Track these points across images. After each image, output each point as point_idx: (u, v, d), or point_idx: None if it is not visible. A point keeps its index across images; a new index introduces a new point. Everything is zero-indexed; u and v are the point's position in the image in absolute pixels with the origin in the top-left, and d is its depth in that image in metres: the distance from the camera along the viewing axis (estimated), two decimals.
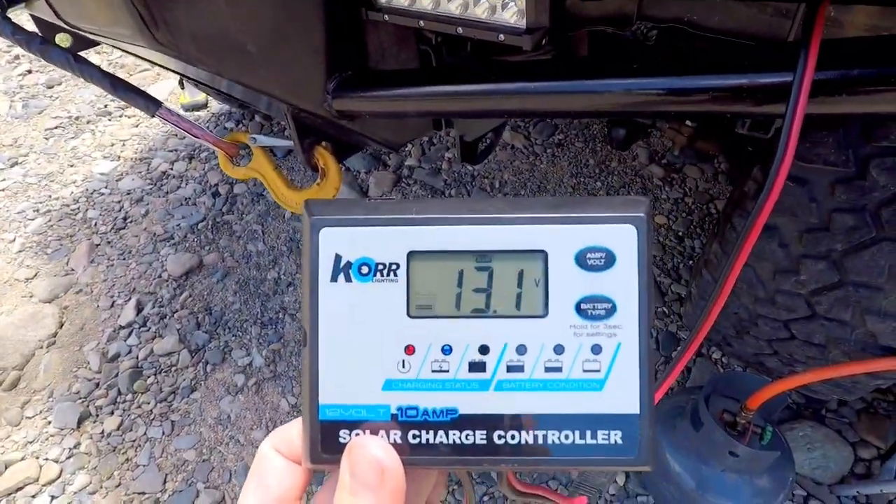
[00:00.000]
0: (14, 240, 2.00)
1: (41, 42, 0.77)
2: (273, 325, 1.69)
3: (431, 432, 0.28)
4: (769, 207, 0.43)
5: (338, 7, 0.66)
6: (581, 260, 0.28)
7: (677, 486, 1.15)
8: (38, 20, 0.98)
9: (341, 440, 0.29)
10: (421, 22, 0.60)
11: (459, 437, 0.28)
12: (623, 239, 0.28)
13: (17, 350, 1.66)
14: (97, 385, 1.58)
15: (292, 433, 0.31)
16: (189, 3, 0.60)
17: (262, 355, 1.61)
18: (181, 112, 2.49)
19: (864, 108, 0.44)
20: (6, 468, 1.42)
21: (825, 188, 0.86)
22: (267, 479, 0.30)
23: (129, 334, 1.69)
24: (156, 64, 1.02)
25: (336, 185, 0.78)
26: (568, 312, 0.28)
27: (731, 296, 1.08)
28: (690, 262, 1.72)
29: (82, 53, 0.90)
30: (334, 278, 0.29)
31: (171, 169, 2.24)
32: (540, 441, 0.28)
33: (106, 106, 2.58)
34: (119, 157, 2.33)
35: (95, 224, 2.04)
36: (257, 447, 0.31)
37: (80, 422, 1.50)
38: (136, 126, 2.47)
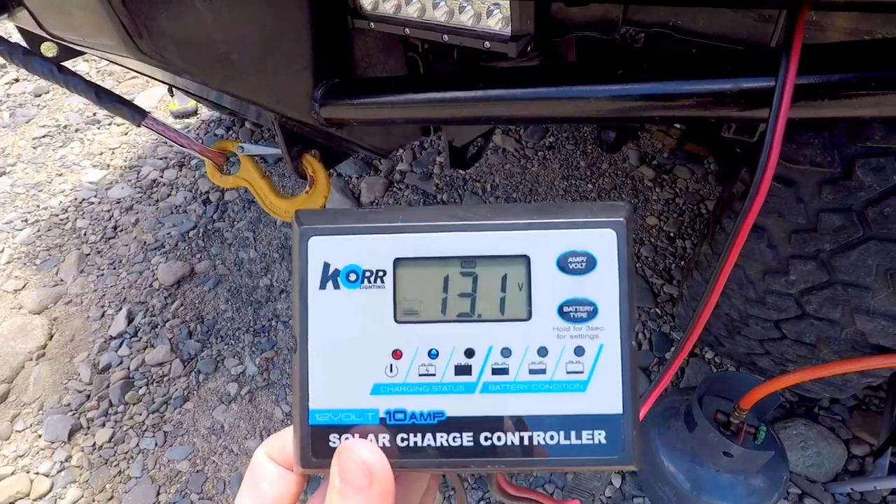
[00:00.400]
0: (2, 250, 1.98)
1: (24, 53, 0.77)
2: (266, 332, 1.68)
3: (419, 435, 0.29)
4: (755, 212, 0.43)
5: (324, 15, 0.66)
6: (563, 264, 0.29)
7: (672, 487, 1.15)
8: (22, 31, 0.97)
9: (331, 444, 0.29)
10: (407, 30, 0.59)
11: (447, 440, 0.29)
12: (603, 243, 0.29)
13: (7, 363, 1.64)
14: (88, 397, 1.57)
15: (285, 440, 0.31)
16: (173, 13, 0.59)
17: (255, 363, 1.60)
18: (167, 121, 2.47)
19: (846, 113, 0.45)
20: None
21: (812, 189, 0.86)
22: (260, 484, 0.30)
23: (121, 345, 1.68)
24: (142, 74, 1.01)
25: (325, 192, 0.78)
26: (551, 315, 0.29)
27: (722, 296, 1.09)
28: (682, 262, 1.73)
29: (69, 62, 0.89)
30: (323, 286, 0.30)
31: (161, 177, 2.22)
32: (526, 442, 0.28)
33: (94, 114, 2.56)
34: (108, 165, 2.31)
35: (85, 233, 2.02)
36: (251, 457, 0.31)
37: (71, 434, 1.48)
38: (125, 134, 2.46)
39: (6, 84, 2.81)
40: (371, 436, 0.29)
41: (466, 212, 0.29)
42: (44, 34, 0.77)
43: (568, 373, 0.28)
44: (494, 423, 0.28)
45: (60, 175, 2.29)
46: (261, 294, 1.78)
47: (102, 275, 1.88)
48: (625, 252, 0.29)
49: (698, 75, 0.48)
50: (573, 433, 0.28)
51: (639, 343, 1.55)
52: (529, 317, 0.29)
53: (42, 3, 0.70)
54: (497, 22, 0.52)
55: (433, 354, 0.29)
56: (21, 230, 2.05)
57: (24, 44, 0.89)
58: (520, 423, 0.28)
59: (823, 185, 0.85)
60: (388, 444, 0.29)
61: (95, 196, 2.17)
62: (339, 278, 0.29)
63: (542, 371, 0.28)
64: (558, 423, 0.28)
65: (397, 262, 0.29)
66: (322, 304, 0.29)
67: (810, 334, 0.98)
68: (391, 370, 0.29)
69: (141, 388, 1.57)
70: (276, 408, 1.52)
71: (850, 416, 1.38)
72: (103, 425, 1.51)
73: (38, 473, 1.42)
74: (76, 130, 2.51)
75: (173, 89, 2.45)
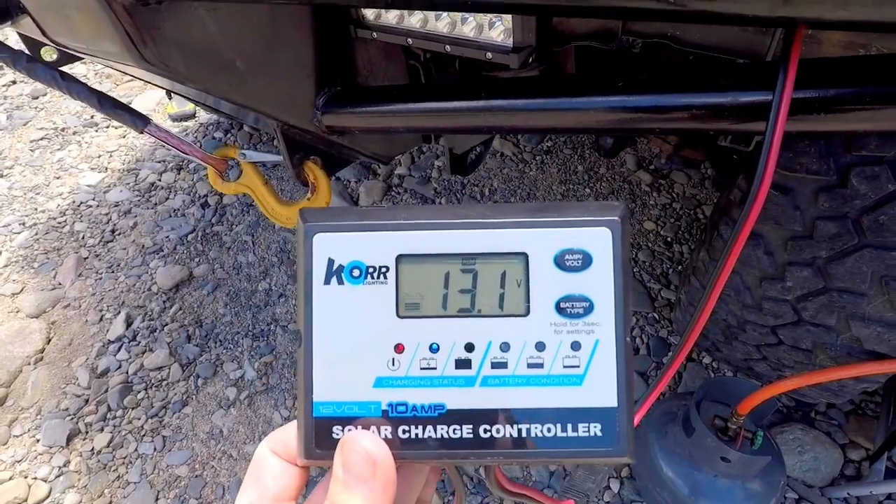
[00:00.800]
0: (0, 254, 1.98)
1: (28, 60, 0.77)
2: (265, 336, 1.68)
3: (420, 427, 0.29)
4: (751, 223, 0.44)
5: (327, 24, 0.67)
6: (560, 261, 0.30)
7: (671, 493, 1.16)
8: (24, 37, 0.97)
9: (334, 436, 0.30)
10: (409, 40, 0.60)
11: (447, 432, 0.29)
12: (599, 241, 0.30)
13: (4, 367, 1.63)
14: (86, 401, 1.56)
15: (289, 435, 0.31)
16: (177, 20, 0.60)
17: (254, 368, 1.60)
18: (166, 125, 2.47)
19: (841, 127, 0.45)
20: None
21: (808, 197, 0.87)
22: (264, 478, 0.30)
23: (119, 349, 1.67)
24: (143, 80, 1.01)
25: (326, 199, 0.78)
26: (548, 311, 0.30)
27: (720, 302, 1.10)
28: (679, 267, 1.74)
29: (70, 67, 0.89)
30: (327, 281, 0.30)
31: (160, 180, 2.22)
32: (524, 434, 0.29)
33: (92, 117, 2.56)
34: (106, 168, 2.31)
35: (83, 237, 2.02)
36: (251, 461, 0.32)
37: (69, 439, 1.48)
38: (124, 137, 2.46)
39: (3, 86, 2.81)
40: (374, 427, 0.29)
41: (467, 210, 0.30)
42: (45, 40, 0.77)
43: (565, 367, 0.29)
44: (493, 416, 0.29)
45: (58, 178, 2.29)
46: (259, 298, 1.78)
47: (101, 278, 1.88)
48: (620, 250, 0.29)
49: (696, 88, 0.49)
50: (569, 426, 0.29)
51: (648, 348, 1.56)
52: (528, 313, 0.30)
53: (45, 10, 0.70)
54: (499, 34, 0.53)
55: (434, 349, 0.30)
56: (19, 233, 2.05)
57: (26, 50, 0.90)
58: (518, 415, 0.29)
59: (819, 193, 0.86)
60: (390, 436, 0.29)
61: (93, 199, 2.17)
62: (342, 274, 0.30)
63: (540, 365, 0.29)
64: (555, 415, 0.29)
65: (400, 258, 0.30)
66: (326, 299, 0.30)
67: (807, 340, 0.99)
68: (393, 363, 0.30)
69: (140, 392, 1.57)
70: (275, 412, 1.52)
71: (847, 420, 1.39)
72: (102, 430, 1.50)
73: (36, 478, 1.42)
74: (74, 133, 2.51)
75: (171, 93, 2.46)
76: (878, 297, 0.86)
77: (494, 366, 0.29)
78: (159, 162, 2.31)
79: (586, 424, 0.29)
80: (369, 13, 0.62)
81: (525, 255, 0.30)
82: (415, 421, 0.29)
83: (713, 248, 1.03)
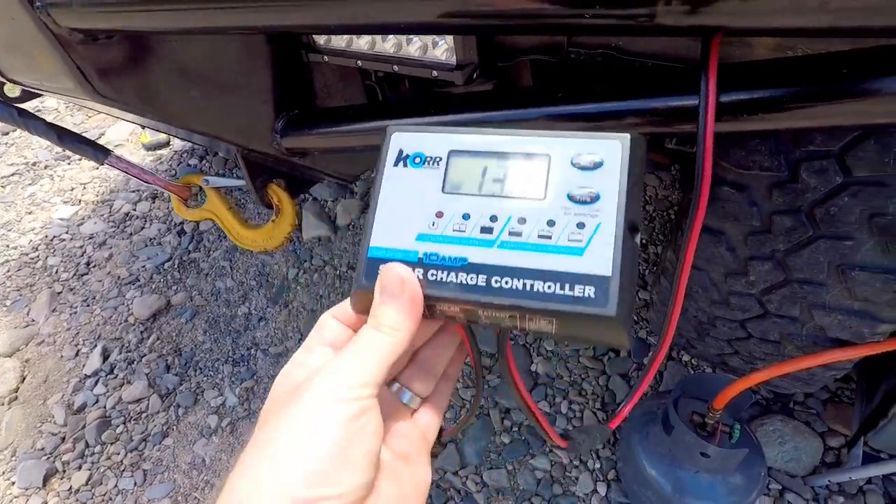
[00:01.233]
0: None
1: None
2: (245, 362, 1.67)
3: (445, 273, 0.36)
4: (699, 224, 0.46)
5: (280, 50, 0.68)
6: (576, 162, 0.36)
7: (655, 492, 1.16)
8: None
9: (379, 271, 0.37)
10: (359, 62, 0.62)
11: (466, 279, 0.36)
12: (611, 150, 0.36)
13: None
14: (63, 439, 1.53)
15: (346, 306, 0.39)
16: (130, 55, 0.60)
17: (236, 394, 1.58)
18: (135, 156, 2.46)
19: (773, 126, 0.48)
20: None
21: (763, 192, 0.90)
22: (323, 332, 0.39)
23: (96, 383, 1.64)
24: (107, 113, 1.01)
25: (291, 220, 0.79)
26: (561, 197, 0.36)
27: (689, 300, 1.12)
28: (654, 268, 1.76)
29: (41, 101, 0.89)
30: (396, 164, 0.39)
31: (135, 210, 2.20)
32: (528, 288, 0.34)
33: (64, 150, 2.54)
34: (80, 200, 2.29)
35: (56, 271, 1.99)
36: (315, 326, 0.40)
37: (46, 480, 1.44)
38: (97, 168, 2.44)
39: None
40: (409, 267, 0.36)
41: (507, 126, 0.41)
42: (3, 80, 0.77)
43: (569, 240, 0.35)
44: (505, 270, 0.35)
45: (30, 213, 2.26)
46: (239, 323, 1.76)
47: (75, 312, 1.85)
48: (628, 158, 0.35)
49: (633, 95, 0.51)
50: (567, 286, 0.34)
51: (643, 241, 1.56)
52: (544, 197, 0.36)
53: (2, 50, 0.71)
54: (442, 52, 0.55)
55: (466, 217, 0.37)
56: None
57: None
58: (526, 272, 0.35)
59: (773, 189, 0.89)
60: (420, 277, 0.36)
61: (67, 232, 2.14)
62: (407, 160, 0.39)
63: (549, 237, 0.35)
64: (556, 277, 0.34)
65: (451, 153, 0.39)
66: (393, 176, 0.39)
67: (774, 332, 1.02)
68: (433, 225, 0.37)
69: (118, 426, 1.54)
70: None
71: (824, 408, 1.41)
72: (80, 468, 1.47)
73: None
74: (46, 167, 2.48)
75: None
76: (836, 286, 0.89)
77: (511, 234, 0.36)
78: (134, 192, 2.29)
79: (582, 286, 0.33)
80: (319, 38, 0.63)
81: (548, 156, 0.37)
82: (441, 268, 0.36)
83: (679, 248, 1.06)
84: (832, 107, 0.44)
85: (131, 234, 2.10)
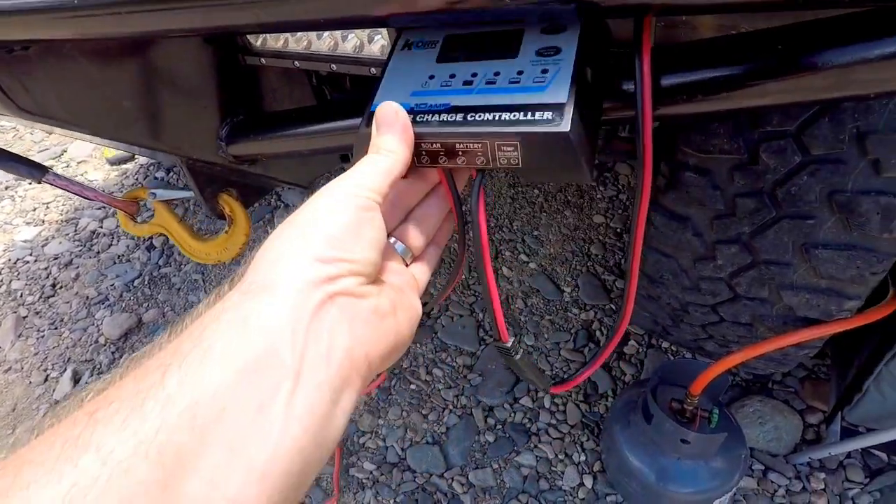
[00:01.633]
0: None
1: None
2: None
3: (430, 115, 0.42)
4: (644, 212, 0.45)
5: (218, 54, 0.65)
6: (544, 29, 0.43)
7: (639, 482, 1.16)
8: None
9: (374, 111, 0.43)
10: (296, 62, 0.59)
11: (447, 118, 0.41)
12: (571, 20, 0.43)
13: None
14: None
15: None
16: (50, 66, 0.57)
17: None
18: (108, 170, 2.40)
19: (715, 107, 0.46)
20: None
21: (725, 176, 0.90)
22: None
23: None
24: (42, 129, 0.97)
25: (245, 230, 0.76)
26: (531, 54, 0.43)
27: (661, 287, 1.12)
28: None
29: None
30: (402, 49, 0.47)
31: (101, 227, 2.14)
32: (497, 118, 0.40)
33: None
34: (43, 221, 2.22)
35: (21, 295, 1.93)
36: None
37: None
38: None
39: None
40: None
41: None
42: None
43: (534, 82, 0.41)
44: (480, 108, 0.41)
45: None
46: None
47: (43, 336, 1.79)
48: (582, 25, 0.42)
49: None
50: (530, 113, 0.39)
51: (617, 230, 1.57)
52: (517, 55, 0.43)
53: None
54: (379, 48, 0.53)
55: (452, 76, 0.44)
56: None
57: None
58: (496, 108, 0.40)
59: (734, 171, 0.88)
60: (411, 120, 0.42)
61: (31, 254, 2.07)
62: (412, 45, 0.47)
63: (518, 81, 0.41)
64: (522, 107, 0.40)
65: (446, 36, 0.46)
66: (399, 57, 0.47)
67: (745, 314, 1.02)
68: (424, 84, 0.44)
69: None
70: None
71: (802, 386, 1.42)
72: None
73: None
74: (6, 188, 2.40)
75: None
76: (801, 266, 0.89)
77: (488, 83, 0.42)
78: (99, 209, 2.23)
79: (542, 112, 0.39)
80: (255, 39, 0.60)
81: (523, 29, 0.44)
82: (428, 112, 0.42)
83: (647, 235, 1.05)
84: (771, 84, 0.43)
85: (98, 252, 2.04)
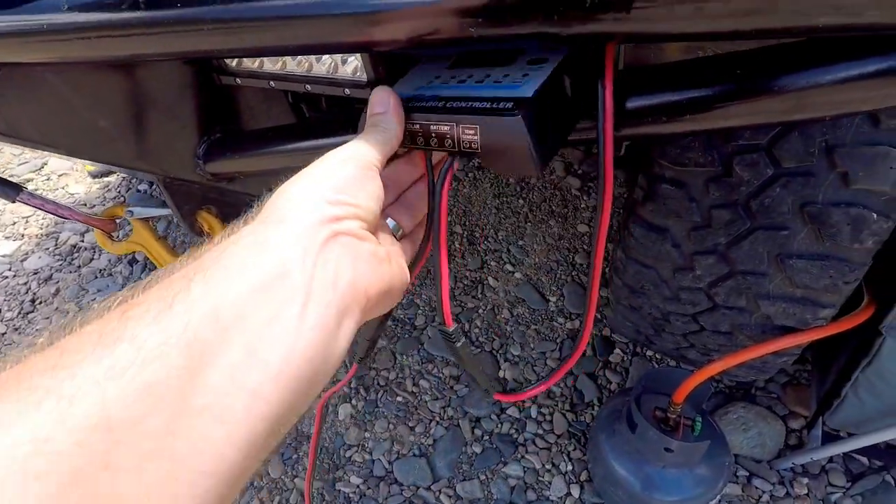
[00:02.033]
0: None
1: None
2: None
3: (420, 102, 0.47)
4: (604, 228, 0.45)
5: (191, 75, 0.65)
6: (541, 46, 0.47)
7: (625, 491, 1.16)
8: None
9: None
10: (271, 83, 0.60)
11: (432, 104, 0.46)
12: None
13: None
14: None
15: None
16: (21, 85, 0.57)
17: None
18: (90, 184, 2.37)
19: (679, 129, 0.48)
20: None
21: (701, 188, 0.91)
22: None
23: None
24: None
25: None
26: (523, 63, 0.46)
27: (642, 297, 1.13)
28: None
29: None
30: (425, 60, 0.53)
31: (82, 241, 2.12)
32: (469, 105, 0.44)
33: None
34: (22, 235, 2.19)
35: (0, 311, 1.89)
36: None
37: None
38: None
39: None
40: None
41: None
42: None
43: (513, 81, 0.44)
44: (461, 99, 0.45)
45: None
46: None
47: None
48: (565, 52, 0.46)
49: None
50: (496, 103, 0.42)
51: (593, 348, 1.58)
52: (513, 64, 0.47)
53: None
54: (353, 70, 0.53)
55: (453, 76, 0.49)
56: None
57: None
58: (473, 98, 0.44)
59: (709, 184, 0.90)
60: (405, 106, 0.47)
61: (10, 269, 2.04)
62: (433, 58, 0.53)
63: (500, 81, 0.45)
64: (493, 99, 0.43)
65: (458, 53, 0.52)
66: (423, 65, 0.53)
67: (724, 324, 1.03)
68: (430, 82, 0.49)
69: None
70: None
71: (784, 392, 1.44)
72: None
73: None
74: None
75: None
76: (777, 275, 0.91)
77: (477, 82, 0.46)
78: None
79: (505, 103, 0.42)
80: (230, 60, 0.61)
81: (525, 49, 0.48)
82: (420, 99, 0.47)
83: (627, 247, 1.06)
84: (732, 108, 0.44)
85: (79, 266, 2.02)
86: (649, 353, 1.57)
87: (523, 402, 1.49)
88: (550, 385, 0.57)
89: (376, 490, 1.35)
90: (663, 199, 0.95)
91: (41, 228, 2.21)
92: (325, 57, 0.54)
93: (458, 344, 0.52)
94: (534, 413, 1.46)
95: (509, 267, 1.81)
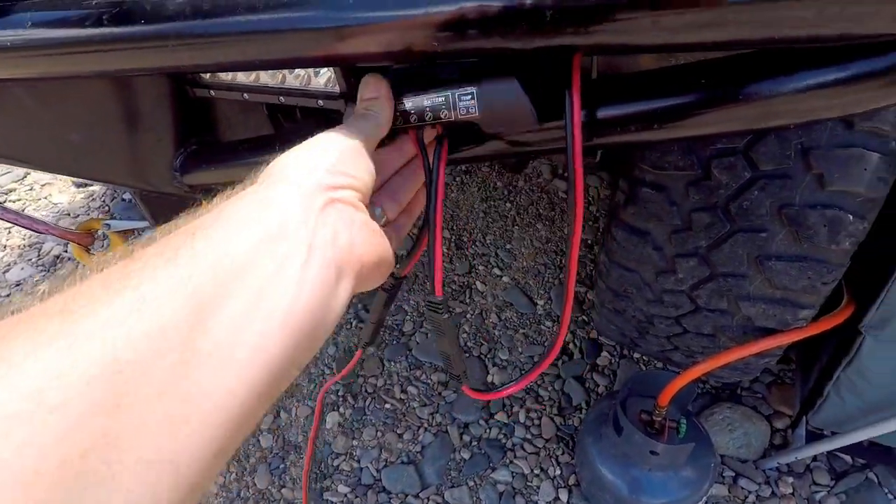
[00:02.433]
0: None
1: None
2: None
3: (406, 97, 0.48)
4: (576, 241, 0.45)
5: (164, 87, 0.65)
6: None
7: (612, 495, 1.17)
8: None
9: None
10: (245, 95, 0.59)
11: (419, 101, 0.47)
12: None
13: None
14: None
15: None
16: None
17: None
18: (73, 192, 2.34)
19: (648, 138, 0.48)
20: None
21: (681, 191, 0.92)
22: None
23: None
24: None
25: None
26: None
27: (626, 301, 1.14)
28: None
29: None
30: None
31: (66, 251, 2.09)
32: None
33: None
34: (4, 246, 2.15)
35: None
36: None
37: None
38: (23, 210, 2.30)
39: None
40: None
41: None
42: None
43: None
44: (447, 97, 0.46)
45: None
46: None
47: None
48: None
49: None
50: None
51: (581, 351, 1.59)
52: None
53: None
54: (325, 81, 0.53)
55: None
56: None
57: None
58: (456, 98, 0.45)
59: (689, 187, 0.91)
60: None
61: None
62: None
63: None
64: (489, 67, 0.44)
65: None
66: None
67: (707, 326, 1.04)
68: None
69: None
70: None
71: (769, 391, 1.45)
72: None
73: None
74: None
75: None
76: (757, 277, 0.92)
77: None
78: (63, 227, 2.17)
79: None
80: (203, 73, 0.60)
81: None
82: (410, 74, 0.48)
83: (610, 251, 1.07)
84: (702, 116, 0.44)
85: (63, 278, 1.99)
86: (637, 355, 1.57)
87: (511, 406, 1.48)
88: (522, 387, 0.57)
89: (364, 499, 1.35)
90: (644, 202, 0.96)
91: (24, 239, 2.17)
92: (298, 69, 0.54)
93: (445, 317, 0.53)
94: (522, 417, 1.46)
95: (497, 271, 1.81)
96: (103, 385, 0.23)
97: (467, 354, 1.60)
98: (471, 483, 1.35)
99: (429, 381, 1.56)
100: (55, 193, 2.41)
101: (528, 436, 1.42)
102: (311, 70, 0.54)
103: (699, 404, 1.43)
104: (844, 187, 0.79)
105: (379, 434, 1.46)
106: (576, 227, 0.46)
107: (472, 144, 0.52)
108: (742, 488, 1.29)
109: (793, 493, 1.27)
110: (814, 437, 1.24)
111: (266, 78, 0.57)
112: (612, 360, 1.56)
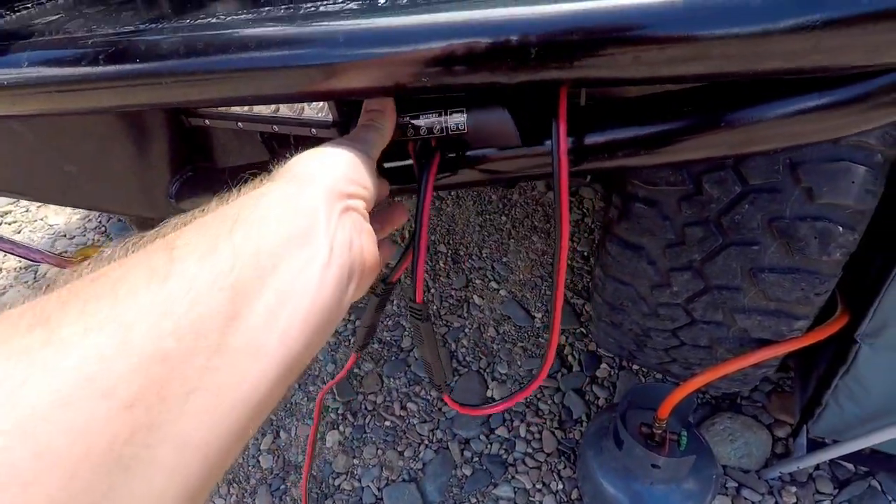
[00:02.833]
0: None
1: None
2: None
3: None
4: (564, 261, 0.46)
5: (160, 117, 0.66)
6: None
7: None
8: None
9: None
10: (239, 123, 0.60)
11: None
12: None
13: None
14: None
15: None
16: None
17: None
18: (69, 214, 2.35)
19: (635, 163, 0.49)
20: None
21: (674, 206, 0.93)
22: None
23: None
24: None
25: None
26: None
27: (623, 314, 1.14)
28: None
29: None
30: None
31: (62, 273, 2.08)
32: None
33: None
34: (0, 269, 2.15)
35: None
36: None
37: None
38: (18, 233, 2.30)
39: None
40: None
41: None
42: None
43: None
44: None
45: None
46: None
47: None
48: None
49: None
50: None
51: (580, 363, 1.58)
52: None
53: None
54: (318, 110, 0.54)
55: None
56: None
57: None
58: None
59: (681, 202, 0.92)
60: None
61: None
62: None
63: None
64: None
65: None
66: None
67: (703, 338, 1.04)
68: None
69: None
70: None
71: (769, 400, 1.45)
72: None
73: None
74: None
75: None
76: (750, 290, 0.92)
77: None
78: (59, 253, 2.17)
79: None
80: None
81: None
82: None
83: (605, 264, 1.08)
84: (687, 142, 0.45)
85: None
86: (636, 367, 1.57)
87: (512, 420, 1.48)
88: (510, 405, 0.58)
89: None
90: (637, 217, 0.97)
91: (20, 261, 2.17)
92: None
93: (425, 323, 0.53)
94: (522, 432, 1.45)
95: (494, 284, 1.81)
96: (150, 374, 0.25)
97: (466, 369, 1.59)
98: (473, 500, 1.35)
99: (428, 396, 1.55)
100: (51, 215, 2.41)
101: (530, 450, 1.41)
102: None
103: (699, 414, 1.43)
104: (833, 200, 0.80)
105: (379, 452, 1.45)
106: (561, 262, 0.47)
107: (465, 169, 0.53)
108: (745, 499, 1.28)
109: (797, 503, 1.26)
110: (815, 445, 1.24)
111: (260, 108, 0.57)
112: (612, 372, 1.56)
